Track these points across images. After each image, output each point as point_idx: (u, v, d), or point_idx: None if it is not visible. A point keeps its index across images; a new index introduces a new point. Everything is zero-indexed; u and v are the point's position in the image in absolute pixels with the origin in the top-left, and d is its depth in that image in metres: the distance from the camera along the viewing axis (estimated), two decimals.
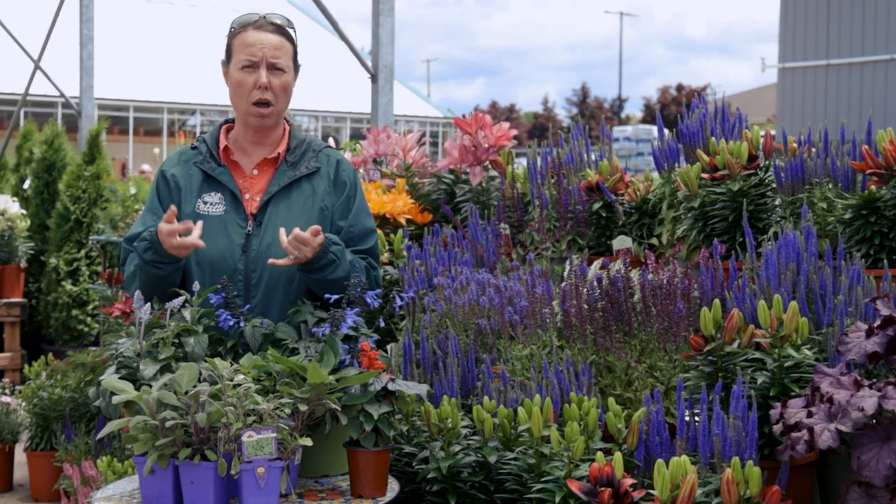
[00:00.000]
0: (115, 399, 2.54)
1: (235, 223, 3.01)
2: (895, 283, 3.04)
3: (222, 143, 3.09)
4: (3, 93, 20.02)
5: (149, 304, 2.74)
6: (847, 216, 3.41)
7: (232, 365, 2.59)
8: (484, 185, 4.67)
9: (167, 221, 2.83)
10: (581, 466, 2.61)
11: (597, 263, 3.57)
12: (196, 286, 2.86)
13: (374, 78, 5.88)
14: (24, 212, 8.13)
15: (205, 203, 3.02)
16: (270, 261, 2.88)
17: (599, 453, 2.54)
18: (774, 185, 3.74)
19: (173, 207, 2.83)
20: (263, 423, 2.47)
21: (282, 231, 2.87)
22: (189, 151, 3.12)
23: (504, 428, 2.87)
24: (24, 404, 5.57)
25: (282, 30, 3.05)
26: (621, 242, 3.94)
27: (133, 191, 8.37)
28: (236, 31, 3.05)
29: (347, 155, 5.41)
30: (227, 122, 3.18)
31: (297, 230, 2.83)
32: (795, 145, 3.87)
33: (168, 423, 2.45)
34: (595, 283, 3.19)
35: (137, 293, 2.77)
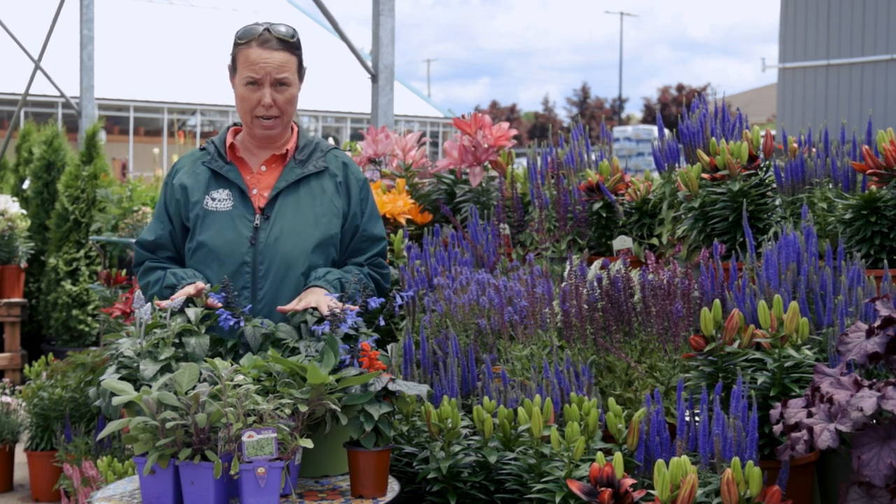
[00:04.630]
0: (116, 400, 2.54)
1: (244, 217, 3.08)
2: (895, 283, 3.03)
3: (229, 141, 3.16)
4: (3, 93, 19.98)
5: (149, 304, 2.75)
6: (847, 216, 3.41)
7: (232, 365, 2.59)
8: (484, 185, 4.67)
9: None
10: (581, 466, 2.61)
11: (597, 263, 3.57)
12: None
13: (374, 78, 5.87)
14: (24, 212, 8.12)
15: (213, 199, 3.10)
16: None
17: (599, 453, 2.54)
18: (774, 186, 3.73)
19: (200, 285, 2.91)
20: (264, 424, 2.47)
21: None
22: (198, 153, 3.22)
23: (504, 428, 2.87)
24: (24, 404, 5.57)
25: (286, 44, 3.05)
26: (621, 242, 3.94)
27: (128, 192, 8.34)
28: (240, 44, 3.06)
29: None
30: (235, 124, 3.25)
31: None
32: (795, 145, 3.87)
33: (168, 424, 2.45)
34: (595, 284, 3.19)
35: (137, 293, 2.80)
